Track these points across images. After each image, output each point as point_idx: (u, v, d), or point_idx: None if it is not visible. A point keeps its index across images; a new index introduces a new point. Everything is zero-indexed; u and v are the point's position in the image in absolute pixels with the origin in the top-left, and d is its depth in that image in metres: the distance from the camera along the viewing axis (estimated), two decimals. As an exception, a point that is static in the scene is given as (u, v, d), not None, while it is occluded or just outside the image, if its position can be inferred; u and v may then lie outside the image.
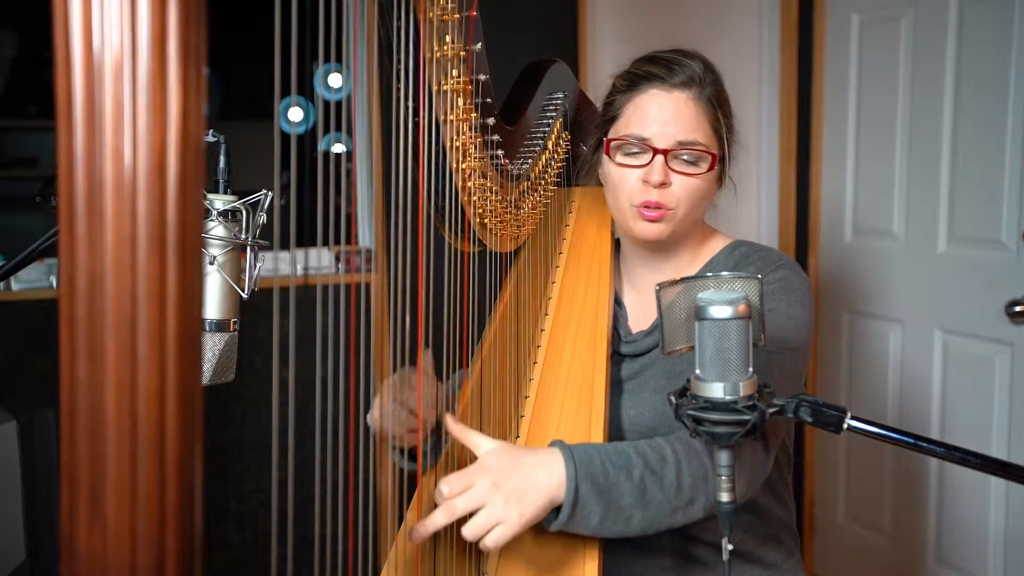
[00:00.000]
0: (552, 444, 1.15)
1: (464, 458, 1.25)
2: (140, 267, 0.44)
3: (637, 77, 1.38)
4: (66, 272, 0.44)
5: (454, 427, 1.17)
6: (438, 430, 1.29)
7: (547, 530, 1.14)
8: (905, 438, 0.97)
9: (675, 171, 1.33)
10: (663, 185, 1.33)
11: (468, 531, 1.08)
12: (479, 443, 1.15)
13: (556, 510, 1.11)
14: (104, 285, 0.44)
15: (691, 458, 1.15)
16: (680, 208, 1.35)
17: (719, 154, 1.36)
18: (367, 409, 0.94)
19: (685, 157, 1.33)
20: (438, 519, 1.09)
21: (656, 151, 1.33)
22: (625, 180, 1.36)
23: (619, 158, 1.37)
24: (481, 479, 1.09)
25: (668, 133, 1.33)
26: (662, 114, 1.34)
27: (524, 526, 1.09)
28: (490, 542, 1.08)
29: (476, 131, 1.23)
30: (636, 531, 1.14)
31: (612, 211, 1.43)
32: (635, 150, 1.35)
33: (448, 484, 1.10)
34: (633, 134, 1.35)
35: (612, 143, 1.38)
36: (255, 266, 1.01)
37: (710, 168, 1.34)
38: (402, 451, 1.32)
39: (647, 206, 1.34)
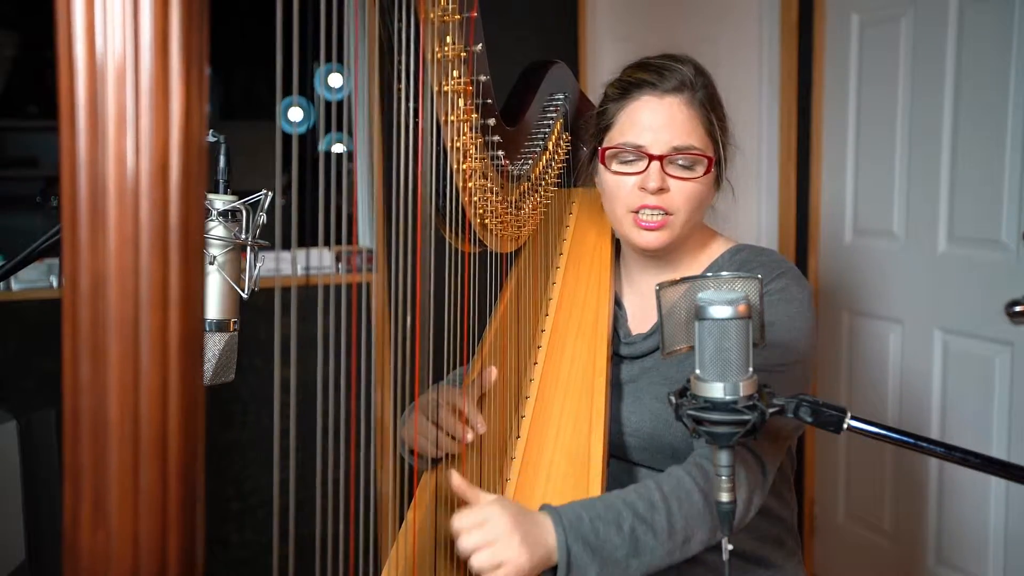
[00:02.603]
0: (541, 509, 1.15)
1: (465, 455, 1.26)
2: (143, 269, 0.44)
3: (629, 84, 1.38)
4: (69, 274, 0.44)
5: (459, 485, 1.16)
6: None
7: None
8: (905, 438, 0.97)
9: (672, 176, 1.33)
10: (661, 191, 1.33)
11: (476, 563, 1.09)
12: (481, 499, 1.15)
13: (552, 571, 1.12)
14: (107, 287, 0.44)
15: (680, 499, 1.16)
16: (680, 214, 1.35)
17: (715, 157, 1.36)
18: (368, 409, 0.94)
19: (681, 162, 1.33)
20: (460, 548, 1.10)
21: (652, 157, 1.33)
22: (621, 188, 1.36)
23: (615, 166, 1.37)
24: (498, 518, 1.10)
25: (663, 139, 1.33)
26: (656, 120, 1.34)
27: (523, 571, 1.09)
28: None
29: (477, 132, 1.23)
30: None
31: (610, 219, 1.43)
32: (631, 158, 1.35)
33: (461, 519, 1.11)
34: (628, 142, 1.35)
35: (607, 152, 1.38)
36: (255, 266, 1.01)
37: (706, 171, 1.34)
38: (411, 450, 1.33)
39: (645, 210, 1.34)
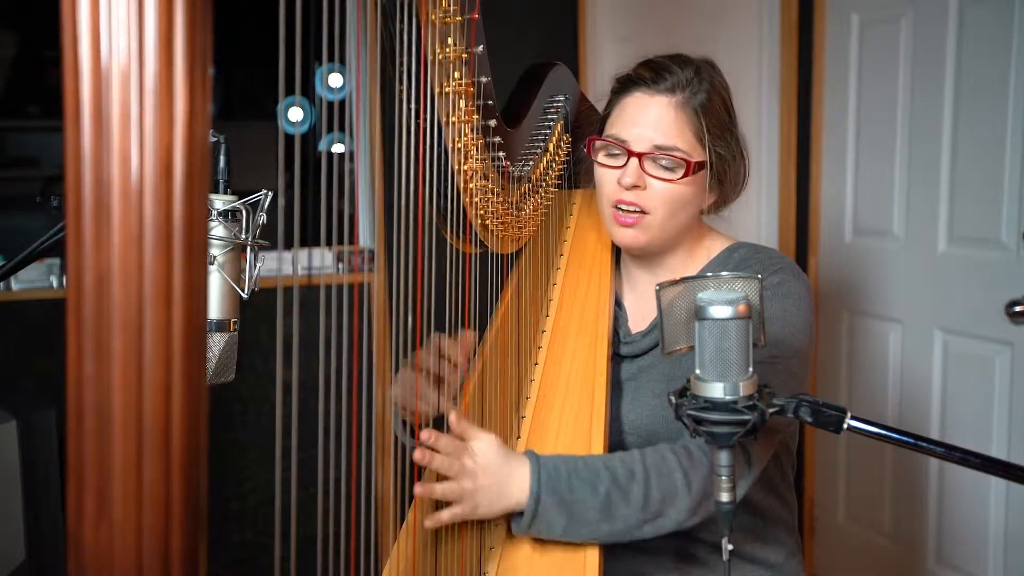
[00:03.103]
0: (525, 453, 1.20)
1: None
2: (147, 267, 0.45)
3: (627, 80, 1.40)
4: (73, 271, 0.45)
5: (456, 422, 1.20)
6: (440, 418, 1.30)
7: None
8: (905, 438, 0.97)
9: (650, 175, 1.34)
10: (636, 188, 1.34)
11: (423, 491, 1.15)
12: (475, 436, 1.20)
13: (520, 514, 1.17)
14: (111, 285, 0.45)
15: (661, 475, 1.19)
16: (656, 214, 1.35)
17: (701, 161, 1.35)
18: (369, 409, 0.95)
19: (663, 162, 1.34)
20: (419, 490, 1.16)
21: (632, 154, 1.34)
22: (604, 180, 1.38)
23: (601, 158, 1.39)
24: (467, 476, 1.15)
25: (646, 136, 1.34)
26: (642, 117, 1.35)
27: (474, 518, 1.17)
28: (444, 516, 1.16)
29: (478, 133, 1.23)
30: (604, 540, 1.19)
31: (601, 213, 1.44)
32: (615, 151, 1.37)
33: (439, 442, 1.16)
34: (613, 135, 1.37)
35: (595, 143, 1.40)
36: (255, 266, 1.01)
37: (685, 174, 1.34)
38: (404, 424, 1.34)
39: (621, 205, 1.35)
